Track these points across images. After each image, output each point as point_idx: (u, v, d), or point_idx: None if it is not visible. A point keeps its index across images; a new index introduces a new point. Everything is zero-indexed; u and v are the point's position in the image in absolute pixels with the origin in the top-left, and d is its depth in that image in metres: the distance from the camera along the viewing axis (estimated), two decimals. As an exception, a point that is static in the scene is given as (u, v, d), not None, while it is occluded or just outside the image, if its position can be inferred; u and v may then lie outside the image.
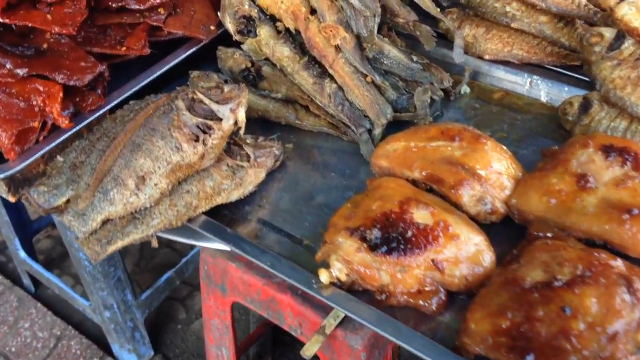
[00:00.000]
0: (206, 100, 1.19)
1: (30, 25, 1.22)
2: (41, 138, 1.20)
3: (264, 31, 1.41)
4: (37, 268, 2.18)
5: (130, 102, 1.29)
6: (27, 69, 1.17)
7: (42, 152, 1.18)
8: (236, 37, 1.47)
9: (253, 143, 1.28)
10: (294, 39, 1.42)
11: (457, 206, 1.09)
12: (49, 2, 1.25)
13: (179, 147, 1.14)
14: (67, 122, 1.19)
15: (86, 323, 2.22)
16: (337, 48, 1.35)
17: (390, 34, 1.52)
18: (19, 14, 1.22)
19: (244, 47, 1.46)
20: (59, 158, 1.19)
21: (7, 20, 1.20)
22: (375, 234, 1.00)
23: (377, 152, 1.23)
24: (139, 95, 1.33)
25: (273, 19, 1.43)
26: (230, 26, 1.45)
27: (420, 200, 1.04)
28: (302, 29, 1.36)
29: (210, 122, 1.17)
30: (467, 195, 1.09)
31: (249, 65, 1.46)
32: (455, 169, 1.11)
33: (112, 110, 1.29)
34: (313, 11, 1.38)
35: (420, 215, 1.02)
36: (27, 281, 2.36)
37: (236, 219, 1.22)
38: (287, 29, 1.42)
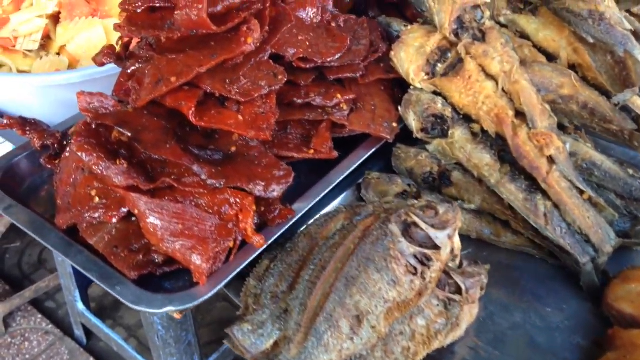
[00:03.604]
0: (423, 226, 1.03)
1: (223, 129, 1.09)
2: (231, 258, 1.05)
3: (459, 133, 1.26)
4: (96, 322, 2.05)
5: (320, 215, 1.15)
6: (223, 180, 1.03)
7: (232, 274, 1.04)
8: (418, 135, 1.32)
9: (459, 269, 1.12)
10: (491, 143, 1.26)
11: None
12: (240, 100, 1.12)
13: (396, 281, 0.98)
14: (262, 241, 1.05)
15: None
16: (550, 159, 1.19)
17: (579, 133, 1.35)
18: (211, 115, 1.10)
19: (429, 148, 1.31)
20: (252, 282, 1.04)
21: (201, 124, 1.07)
22: (666, 422, 0.81)
23: (614, 292, 1.05)
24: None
25: (467, 119, 1.28)
26: (414, 123, 1.31)
27: None
28: (509, 135, 1.20)
29: (428, 252, 1.01)
30: None
31: (436, 168, 1.30)
32: None
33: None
34: (517, 113, 1.23)
35: None
36: (79, 332, 2.24)
37: (445, 361, 1.05)
38: (484, 131, 1.26)
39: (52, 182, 1.28)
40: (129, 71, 1.16)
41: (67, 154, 1.21)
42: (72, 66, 1.73)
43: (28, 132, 1.29)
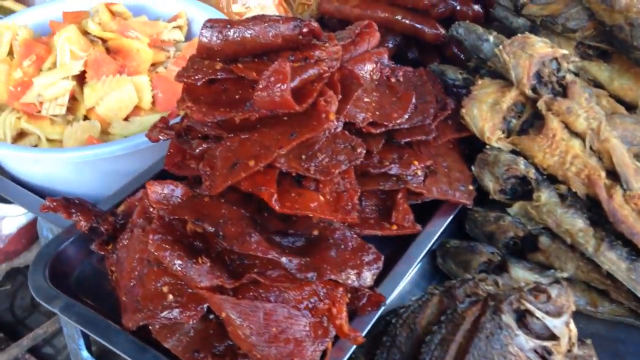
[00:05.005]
0: (538, 314, 0.94)
1: (308, 214, 0.99)
2: (327, 359, 0.95)
3: (546, 196, 1.17)
4: None
5: (413, 299, 1.05)
6: (315, 274, 0.94)
7: (330, 377, 0.94)
8: (495, 197, 1.23)
9: (569, 353, 1.02)
10: (580, 205, 1.18)
11: None
12: (319, 179, 1.02)
13: (518, 380, 0.89)
14: (360, 338, 0.95)
15: None
16: (650, 223, 1.10)
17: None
18: (293, 199, 0.99)
19: (512, 211, 1.22)
20: (351, 385, 0.94)
21: (285, 210, 0.97)
22: None
23: None
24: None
25: (550, 180, 1.20)
26: (490, 185, 1.22)
27: None
28: (603, 198, 1.12)
29: (548, 345, 0.92)
30: None
31: (520, 233, 1.21)
32: None
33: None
34: (608, 172, 1.15)
35: None
36: None
37: None
38: (572, 193, 1.17)
39: (102, 266, 1.18)
40: (195, 152, 1.06)
41: (126, 242, 1.11)
42: (103, 129, 1.62)
43: (74, 215, 1.18)
